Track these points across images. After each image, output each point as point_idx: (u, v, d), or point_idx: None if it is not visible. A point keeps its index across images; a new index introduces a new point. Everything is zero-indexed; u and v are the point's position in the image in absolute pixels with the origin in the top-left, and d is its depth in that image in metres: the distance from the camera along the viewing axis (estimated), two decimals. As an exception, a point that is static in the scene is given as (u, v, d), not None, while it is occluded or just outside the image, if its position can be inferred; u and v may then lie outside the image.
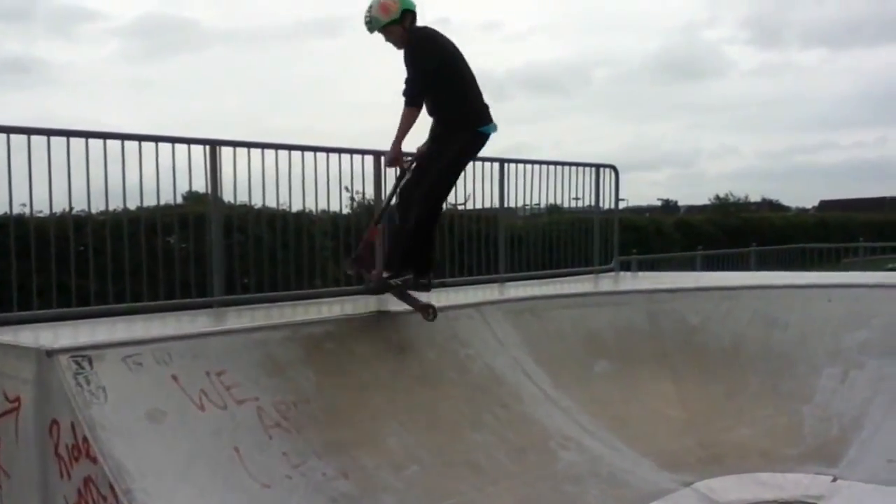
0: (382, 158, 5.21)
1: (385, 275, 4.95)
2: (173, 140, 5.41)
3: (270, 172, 5.83)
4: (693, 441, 5.18)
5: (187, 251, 5.89)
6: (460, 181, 5.42)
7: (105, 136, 5.11)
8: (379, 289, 5.06)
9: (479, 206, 7.00)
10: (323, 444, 4.07)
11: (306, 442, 4.02)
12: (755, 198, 46.26)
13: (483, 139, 4.92)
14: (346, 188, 6.38)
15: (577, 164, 8.22)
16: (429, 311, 4.89)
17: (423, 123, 5.02)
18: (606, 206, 8.63)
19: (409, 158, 5.10)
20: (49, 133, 4.89)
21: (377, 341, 4.85)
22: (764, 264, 15.34)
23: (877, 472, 4.65)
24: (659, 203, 53.20)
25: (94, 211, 5.44)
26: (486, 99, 4.94)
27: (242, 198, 6.06)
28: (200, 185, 5.68)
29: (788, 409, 5.37)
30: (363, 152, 6.35)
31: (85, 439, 3.39)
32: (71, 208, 5.21)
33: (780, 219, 35.63)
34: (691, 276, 9.88)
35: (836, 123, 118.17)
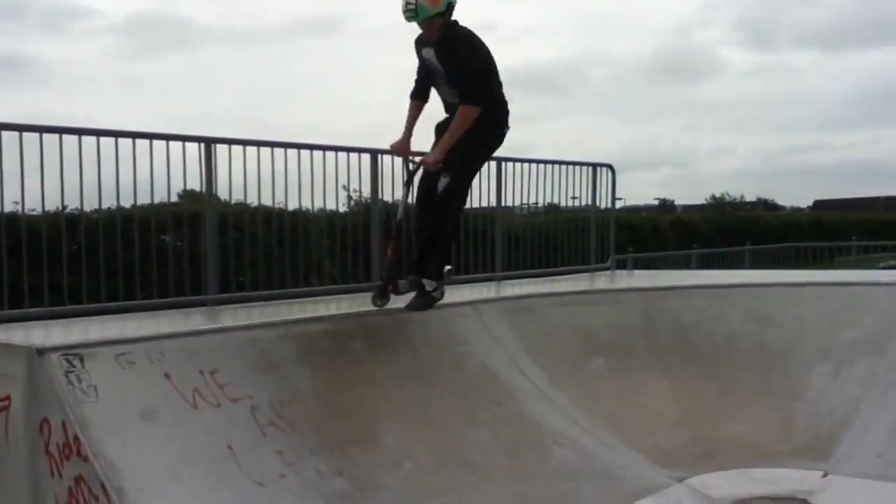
0: (416, 159, 4.81)
1: (428, 287, 4.85)
2: (167, 137, 5.39)
3: (266, 170, 5.83)
4: (686, 437, 5.19)
5: (182, 249, 5.88)
6: None
7: (98, 133, 5.09)
8: (428, 304, 4.92)
9: (476, 204, 7.01)
10: (317, 442, 4.06)
11: (301, 440, 4.01)
12: (751, 197, 46.48)
13: (503, 139, 4.94)
14: (344, 186, 6.38)
15: (575, 164, 8.23)
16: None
17: (425, 125, 5.03)
18: (603, 206, 8.65)
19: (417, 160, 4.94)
20: (42, 130, 4.86)
21: (372, 339, 4.84)
22: (758, 263, 15.40)
23: (867, 468, 4.68)
24: (656, 203, 53.29)
25: (87, 209, 5.42)
26: None
27: (238, 196, 6.07)
28: (195, 183, 5.67)
29: (780, 406, 5.39)
30: (360, 150, 6.34)
31: (76, 438, 3.38)
32: (64, 206, 5.20)
33: (775, 218, 35.73)
34: (686, 274, 9.90)
35: (830, 124, 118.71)
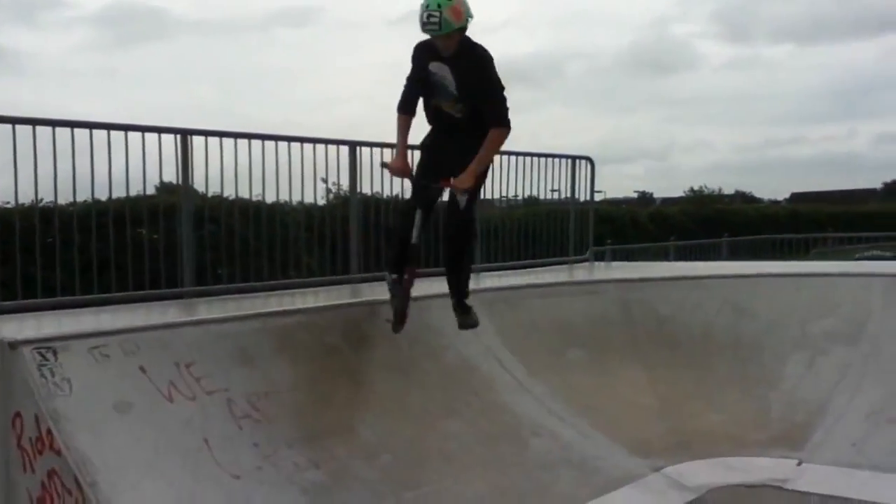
0: (454, 188, 4.55)
1: (469, 303, 4.87)
2: (143, 129, 5.33)
3: (244, 163, 5.78)
4: (663, 427, 5.24)
5: (158, 242, 5.82)
6: None
7: (73, 124, 5.02)
8: (477, 319, 4.93)
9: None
10: (294, 434, 4.05)
11: (278, 432, 4.00)
12: (729, 190, 47.04)
13: None
14: (322, 179, 6.35)
15: (554, 156, 8.25)
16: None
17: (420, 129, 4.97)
18: (583, 198, 8.69)
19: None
20: (14, 121, 4.78)
21: (349, 332, 4.83)
22: (735, 254, 15.56)
23: (841, 456, 4.76)
24: (636, 195, 53.63)
25: (62, 202, 5.35)
26: None
27: (215, 188, 6.01)
28: (172, 175, 5.61)
29: (756, 396, 5.47)
30: (338, 143, 6.31)
31: (49, 432, 3.35)
32: (38, 199, 5.12)
33: (752, 210, 36.16)
34: (663, 265, 9.99)
35: (806, 118, 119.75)
